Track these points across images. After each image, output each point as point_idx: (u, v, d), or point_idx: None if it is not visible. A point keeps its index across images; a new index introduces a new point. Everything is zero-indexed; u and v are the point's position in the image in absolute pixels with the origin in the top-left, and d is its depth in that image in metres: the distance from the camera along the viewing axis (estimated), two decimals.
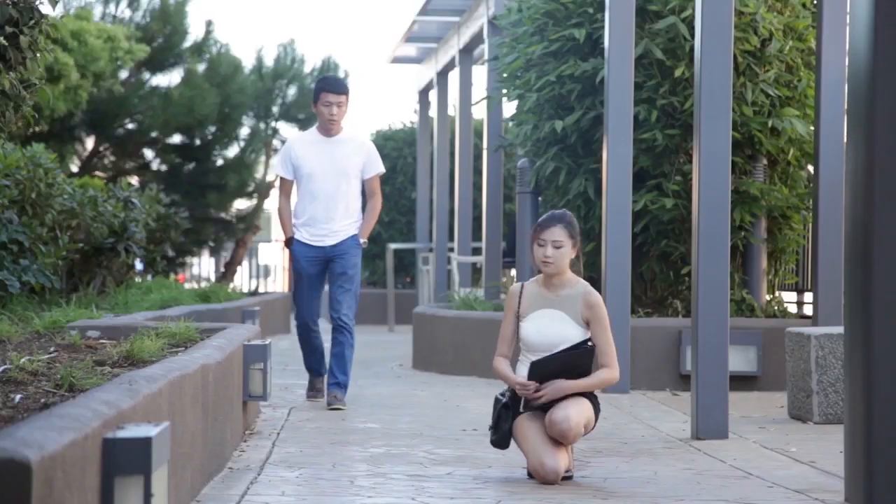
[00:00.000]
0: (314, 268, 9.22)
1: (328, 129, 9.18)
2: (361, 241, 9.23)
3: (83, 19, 20.98)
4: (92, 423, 3.69)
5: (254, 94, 23.53)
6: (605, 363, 6.44)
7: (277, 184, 9.48)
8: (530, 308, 6.46)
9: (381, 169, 9.29)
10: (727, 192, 8.05)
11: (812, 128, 11.44)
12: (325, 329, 9.85)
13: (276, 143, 24.07)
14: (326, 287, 9.61)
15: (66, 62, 19.18)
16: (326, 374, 9.42)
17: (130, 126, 23.07)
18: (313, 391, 9.62)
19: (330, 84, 9.18)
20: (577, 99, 11.81)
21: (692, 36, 11.20)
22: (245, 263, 26.41)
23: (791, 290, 12.83)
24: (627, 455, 7.27)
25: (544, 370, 6.31)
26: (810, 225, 11.62)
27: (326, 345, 9.61)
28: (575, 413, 6.26)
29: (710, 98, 8.03)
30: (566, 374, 6.32)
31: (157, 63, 23.25)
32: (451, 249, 19.80)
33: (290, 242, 9.25)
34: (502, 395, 6.54)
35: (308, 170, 9.14)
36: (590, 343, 6.38)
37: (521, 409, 6.45)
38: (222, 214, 23.74)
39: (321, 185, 9.13)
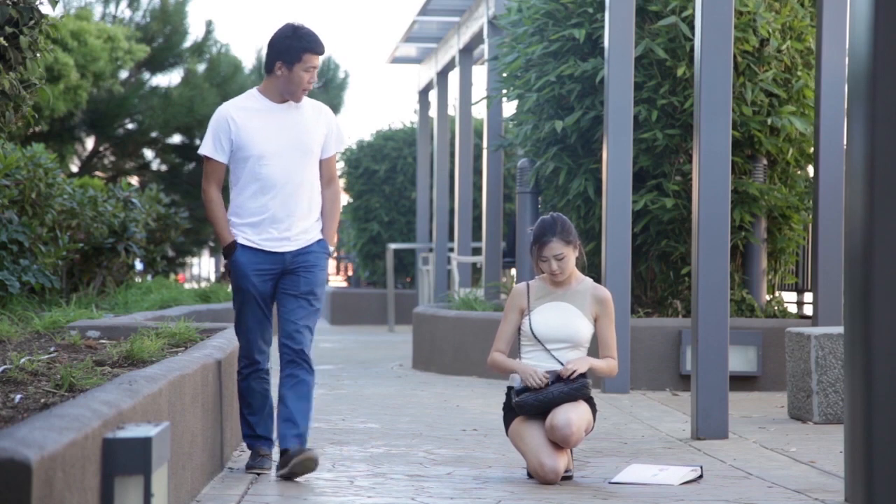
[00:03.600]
0: (267, 284, 6.48)
1: (292, 96, 6.54)
2: (330, 248, 6.64)
3: (83, 19, 21.00)
4: (92, 423, 3.69)
5: None
6: (611, 355, 6.53)
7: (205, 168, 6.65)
8: (538, 301, 6.51)
9: (344, 144, 6.75)
10: (727, 192, 8.05)
11: (811, 126, 11.45)
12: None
13: None
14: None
15: (66, 62, 19.19)
16: (278, 433, 6.48)
17: (130, 126, 23.08)
18: (259, 458, 6.51)
19: (314, 42, 6.53)
20: (577, 99, 11.81)
21: (693, 35, 11.20)
22: None
23: (791, 290, 12.83)
24: (627, 455, 7.27)
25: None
26: (810, 225, 11.62)
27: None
28: (576, 418, 6.27)
29: (710, 98, 8.04)
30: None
31: (157, 63, 23.27)
32: (451, 249, 19.80)
33: (231, 249, 6.50)
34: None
35: (259, 149, 6.44)
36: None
37: (516, 402, 6.43)
38: None
39: (278, 170, 6.46)
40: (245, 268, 6.45)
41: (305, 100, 6.61)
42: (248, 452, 6.76)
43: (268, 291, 6.47)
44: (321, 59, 6.65)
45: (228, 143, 6.49)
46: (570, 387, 6.33)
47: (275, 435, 6.54)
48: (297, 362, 6.40)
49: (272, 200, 6.45)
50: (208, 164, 6.58)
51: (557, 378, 6.37)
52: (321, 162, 6.60)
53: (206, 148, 6.57)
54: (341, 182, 24.47)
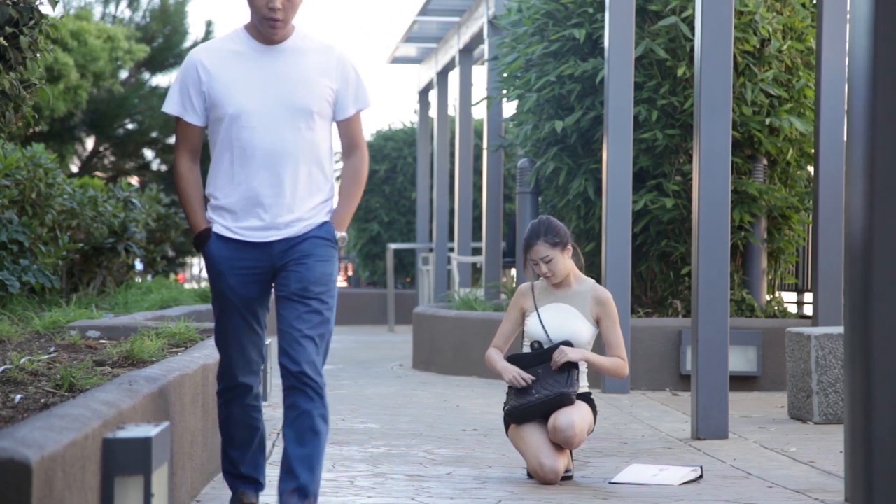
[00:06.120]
0: (251, 287, 4.89)
1: (269, 33, 4.84)
2: (339, 234, 4.92)
3: (83, 19, 21.01)
4: (92, 423, 3.69)
5: None
6: (618, 355, 6.52)
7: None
8: (540, 303, 6.53)
9: (368, 102, 4.99)
10: (727, 192, 8.06)
11: (811, 126, 11.45)
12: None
13: None
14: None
15: (66, 62, 19.19)
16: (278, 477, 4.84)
17: (130, 126, 23.10)
18: None
19: None
20: (577, 99, 11.81)
21: (693, 35, 11.20)
22: None
23: (791, 290, 12.83)
24: (627, 455, 7.27)
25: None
26: (810, 225, 11.62)
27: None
28: (578, 419, 6.29)
29: (710, 98, 8.04)
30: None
31: (157, 63, 23.28)
32: (451, 249, 19.81)
33: (202, 239, 4.91)
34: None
35: (235, 106, 4.81)
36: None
37: (511, 410, 6.44)
38: None
39: (261, 135, 4.82)
40: (221, 265, 4.86)
41: (312, 40, 4.91)
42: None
43: (253, 296, 4.87)
44: None
45: (200, 99, 4.85)
46: (555, 393, 6.32)
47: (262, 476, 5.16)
48: (297, 388, 4.76)
49: (254, 176, 4.84)
50: (177, 127, 4.96)
51: (546, 352, 6.34)
52: (338, 125, 4.96)
53: (170, 104, 4.90)
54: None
